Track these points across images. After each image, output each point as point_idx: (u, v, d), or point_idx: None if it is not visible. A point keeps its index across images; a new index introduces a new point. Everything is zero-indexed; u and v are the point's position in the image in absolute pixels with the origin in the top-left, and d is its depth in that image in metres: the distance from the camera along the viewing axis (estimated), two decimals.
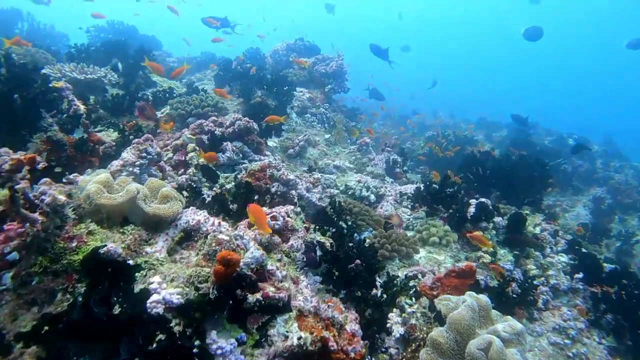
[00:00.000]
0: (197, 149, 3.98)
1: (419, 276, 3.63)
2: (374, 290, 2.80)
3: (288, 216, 2.72)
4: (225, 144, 4.65)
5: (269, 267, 2.09)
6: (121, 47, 7.08)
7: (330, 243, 2.74)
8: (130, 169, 3.10)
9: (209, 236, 2.14)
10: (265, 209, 2.90)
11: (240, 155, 4.77)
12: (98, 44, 7.09)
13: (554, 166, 9.29)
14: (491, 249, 4.33)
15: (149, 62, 7.27)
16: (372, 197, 5.21)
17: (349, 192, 5.30)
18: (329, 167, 6.42)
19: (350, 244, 3.21)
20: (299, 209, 3.09)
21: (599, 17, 42.10)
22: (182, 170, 3.88)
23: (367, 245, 3.45)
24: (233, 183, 4.28)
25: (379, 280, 3.25)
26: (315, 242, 2.63)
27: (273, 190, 4.68)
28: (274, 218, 2.57)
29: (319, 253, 2.62)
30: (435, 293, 3.09)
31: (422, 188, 5.04)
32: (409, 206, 5.13)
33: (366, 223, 4.42)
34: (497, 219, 4.89)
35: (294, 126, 7.64)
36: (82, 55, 6.32)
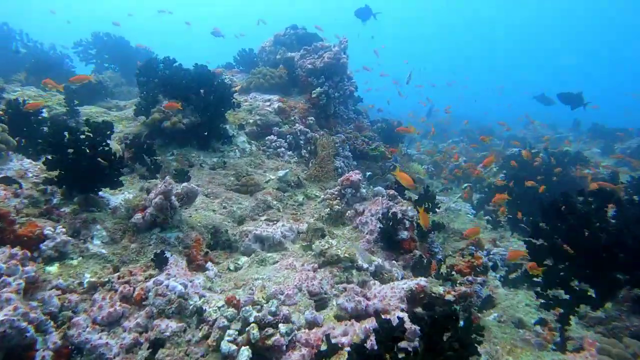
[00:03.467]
0: None
1: None
2: None
3: None
4: None
5: None
6: None
7: None
8: None
9: None
10: None
11: None
12: None
13: None
14: None
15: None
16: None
17: (203, 330, 2.11)
18: (245, 241, 3.28)
19: None
20: None
21: None
22: None
23: None
24: None
25: None
26: None
27: None
28: None
29: None
30: None
31: (384, 328, 1.65)
32: None
33: None
34: None
35: (236, 157, 4.64)
36: None
